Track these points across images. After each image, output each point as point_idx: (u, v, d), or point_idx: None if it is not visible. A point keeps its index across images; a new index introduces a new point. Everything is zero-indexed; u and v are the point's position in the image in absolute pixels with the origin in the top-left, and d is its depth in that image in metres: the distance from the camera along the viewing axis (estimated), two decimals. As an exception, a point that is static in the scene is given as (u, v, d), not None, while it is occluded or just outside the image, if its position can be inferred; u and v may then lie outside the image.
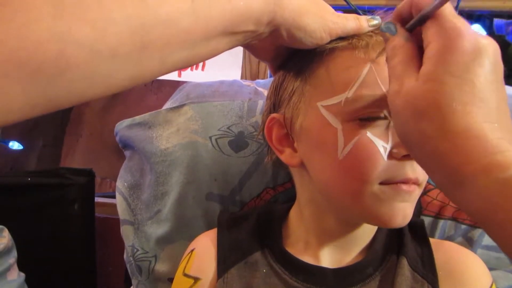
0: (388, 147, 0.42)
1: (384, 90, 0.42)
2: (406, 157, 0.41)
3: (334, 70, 0.45)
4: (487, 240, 0.57)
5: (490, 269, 0.56)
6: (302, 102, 0.47)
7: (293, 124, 0.48)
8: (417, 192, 0.44)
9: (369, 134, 0.42)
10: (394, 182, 0.42)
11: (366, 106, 0.42)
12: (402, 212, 0.43)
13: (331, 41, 0.44)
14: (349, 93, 0.43)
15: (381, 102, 0.41)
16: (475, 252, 0.56)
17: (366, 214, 0.45)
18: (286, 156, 0.50)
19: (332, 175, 0.45)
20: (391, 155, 0.42)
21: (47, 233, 0.86)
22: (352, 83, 0.43)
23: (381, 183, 0.43)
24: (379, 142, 0.42)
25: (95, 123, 1.48)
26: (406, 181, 0.42)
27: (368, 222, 0.47)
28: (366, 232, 0.50)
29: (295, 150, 0.49)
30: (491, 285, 0.48)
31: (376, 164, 0.42)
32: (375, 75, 0.42)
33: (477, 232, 0.58)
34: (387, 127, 0.42)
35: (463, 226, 0.58)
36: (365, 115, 0.42)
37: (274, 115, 0.51)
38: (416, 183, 0.43)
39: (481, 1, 0.80)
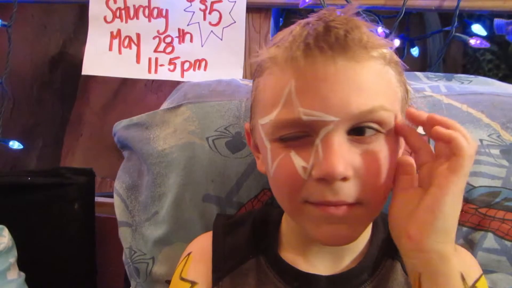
0: (309, 167, 0.41)
1: (301, 110, 0.40)
2: (322, 181, 0.40)
3: (264, 88, 0.45)
4: (488, 243, 0.57)
5: (491, 271, 0.56)
6: (254, 113, 0.48)
7: (253, 132, 0.49)
8: (357, 212, 0.42)
9: (292, 153, 0.42)
10: (315, 202, 0.42)
11: (286, 127, 0.42)
12: (335, 233, 0.42)
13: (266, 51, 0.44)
14: (272, 116, 0.42)
15: (301, 123, 0.40)
16: (475, 255, 0.56)
17: (307, 232, 0.45)
18: (259, 162, 0.51)
19: (273, 191, 0.47)
20: (310, 176, 0.41)
21: (47, 233, 0.86)
22: (277, 103, 0.42)
23: (308, 202, 0.42)
24: (300, 163, 0.41)
25: (95, 122, 1.48)
26: (326, 203, 0.41)
27: (314, 240, 0.47)
28: (360, 238, 0.49)
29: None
30: (480, 276, 0.48)
31: (295, 184, 0.42)
32: (294, 96, 0.40)
33: (478, 234, 0.57)
34: (311, 146, 0.41)
35: (464, 229, 0.58)
36: (285, 135, 0.42)
37: (246, 124, 0.52)
38: (343, 204, 0.41)
39: (481, 1, 0.80)
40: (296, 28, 0.43)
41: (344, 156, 0.40)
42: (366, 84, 0.40)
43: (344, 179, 0.40)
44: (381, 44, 0.42)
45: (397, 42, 0.89)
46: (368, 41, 0.40)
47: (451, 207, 0.39)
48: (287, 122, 0.41)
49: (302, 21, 0.44)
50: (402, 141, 0.46)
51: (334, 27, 0.40)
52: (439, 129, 0.40)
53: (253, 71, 0.86)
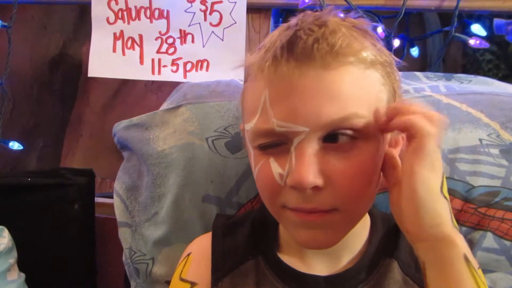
0: (285, 174, 0.41)
1: (275, 121, 0.40)
2: (294, 188, 0.41)
3: (247, 94, 0.46)
4: (487, 242, 0.57)
5: (490, 271, 0.56)
6: (243, 119, 0.48)
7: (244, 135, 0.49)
8: (333, 218, 0.42)
9: (271, 160, 0.42)
10: (290, 208, 0.42)
11: (263, 136, 0.42)
12: (312, 237, 0.43)
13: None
14: (252, 123, 0.43)
15: (274, 132, 0.41)
16: (475, 254, 0.56)
17: (291, 236, 0.45)
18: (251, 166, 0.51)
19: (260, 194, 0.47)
20: (286, 183, 0.41)
21: (47, 233, 0.86)
22: (255, 111, 0.42)
23: (286, 207, 0.43)
24: (277, 169, 0.42)
25: (95, 123, 1.47)
26: (300, 210, 0.42)
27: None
28: (356, 238, 0.50)
29: None
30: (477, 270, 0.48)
31: (274, 189, 0.43)
32: (268, 106, 0.41)
33: (478, 234, 0.57)
34: (287, 153, 0.41)
35: (464, 228, 0.58)
36: (263, 143, 0.43)
37: (241, 125, 0.52)
38: (317, 211, 0.41)
39: (480, 1, 0.80)
40: (275, 33, 0.43)
41: (314, 165, 0.40)
42: (337, 92, 0.40)
43: (316, 188, 0.40)
44: (359, 48, 0.41)
45: (396, 42, 0.89)
46: (341, 47, 0.40)
47: (426, 189, 0.38)
48: (263, 131, 0.42)
49: (283, 25, 0.44)
50: (386, 139, 0.45)
51: (300, 37, 0.40)
52: (395, 120, 0.39)
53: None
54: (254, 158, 0.45)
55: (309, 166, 0.40)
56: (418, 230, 0.39)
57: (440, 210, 0.39)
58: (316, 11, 0.45)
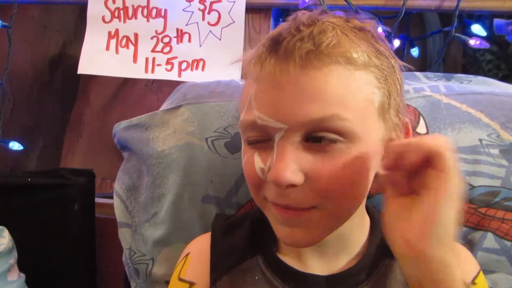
0: (266, 169, 0.42)
1: (256, 113, 0.42)
2: (273, 183, 0.41)
3: (243, 89, 0.47)
4: (487, 242, 0.57)
5: (491, 271, 0.56)
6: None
7: None
8: (312, 216, 0.42)
9: (256, 154, 0.44)
10: (270, 201, 0.44)
11: (249, 129, 0.44)
12: (291, 235, 0.44)
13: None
14: (241, 117, 0.45)
15: (257, 126, 0.42)
16: (475, 255, 0.56)
17: (274, 231, 0.46)
18: None
19: None
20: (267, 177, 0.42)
21: (47, 234, 0.86)
22: (244, 105, 0.44)
23: (266, 200, 0.44)
24: (259, 164, 0.43)
25: (95, 123, 1.47)
26: (276, 204, 0.43)
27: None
28: (354, 239, 0.50)
29: None
30: (478, 272, 0.48)
31: (256, 183, 0.44)
32: (253, 100, 0.42)
33: (478, 234, 0.57)
34: (271, 150, 0.42)
35: (464, 229, 0.58)
36: (249, 138, 0.44)
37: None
38: (293, 208, 0.42)
39: (481, 1, 0.80)
40: (274, 32, 0.44)
41: (293, 163, 0.40)
42: (319, 92, 0.40)
43: (293, 185, 0.40)
44: (348, 48, 0.41)
45: (396, 43, 0.89)
46: (328, 47, 0.40)
47: (450, 210, 0.37)
48: (247, 123, 0.43)
49: (281, 25, 0.44)
50: (376, 141, 0.44)
51: (284, 37, 0.41)
52: (411, 155, 0.37)
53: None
54: (243, 151, 0.47)
55: (287, 163, 0.40)
56: (424, 248, 0.37)
57: (452, 235, 0.38)
58: (311, 11, 0.45)
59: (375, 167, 0.44)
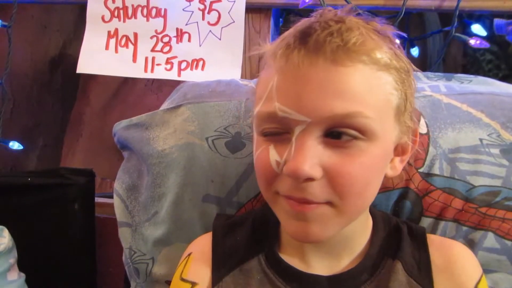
0: (282, 162, 0.42)
1: (277, 104, 0.41)
2: (290, 177, 0.41)
3: (260, 81, 0.46)
4: (488, 242, 0.57)
5: (491, 271, 0.56)
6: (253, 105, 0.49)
7: None
8: (325, 212, 0.42)
9: (271, 147, 0.43)
10: (283, 195, 0.43)
11: (267, 121, 0.43)
12: (302, 229, 0.43)
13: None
14: (257, 109, 0.44)
15: (277, 118, 0.42)
16: (476, 254, 0.56)
17: (283, 226, 0.46)
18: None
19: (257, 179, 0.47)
20: (282, 170, 0.42)
21: (47, 233, 0.86)
22: (263, 97, 0.43)
23: (279, 194, 0.44)
24: (274, 157, 0.42)
25: (95, 123, 1.47)
26: (290, 198, 0.42)
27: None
28: (357, 238, 0.50)
29: None
30: (481, 277, 0.48)
31: (269, 175, 0.43)
32: (274, 91, 0.42)
33: (478, 234, 0.57)
34: (288, 142, 0.42)
35: (464, 228, 0.58)
36: (266, 130, 0.44)
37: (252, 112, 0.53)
38: (308, 202, 0.42)
39: (481, 1, 0.80)
40: (297, 26, 0.44)
41: (313, 157, 0.40)
42: (344, 88, 0.40)
43: (311, 179, 0.40)
44: (373, 48, 0.41)
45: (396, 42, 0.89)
46: (355, 45, 0.40)
47: None
48: (266, 114, 0.43)
49: (304, 20, 0.44)
50: (391, 143, 0.45)
51: (315, 29, 0.40)
52: None
53: (252, 70, 0.87)
54: (256, 143, 0.46)
55: (306, 156, 0.40)
56: None
57: None
58: (313, 11, 0.45)
59: (386, 168, 0.45)
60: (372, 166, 0.42)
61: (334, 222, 0.44)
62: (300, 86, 0.40)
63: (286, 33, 0.44)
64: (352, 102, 0.40)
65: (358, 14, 0.44)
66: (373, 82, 0.41)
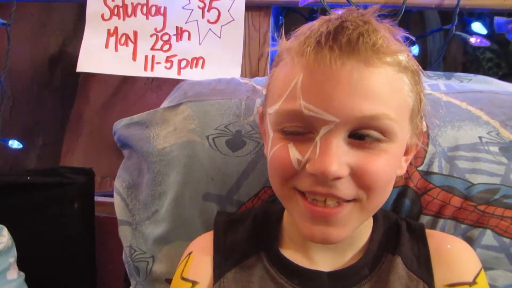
0: (303, 160, 0.42)
1: (303, 103, 0.41)
2: (314, 176, 0.41)
3: (276, 78, 0.46)
4: (486, 239, 0.57)
5: (489, 268, 0.56)
6: (265, 101, 0.49)
7: (263, 119, 0.50)
8: (347, 208, 0.43)
9: (290, 145, 0.43)
10: (304, 190, 0.43)
11: (289, 119, 0.43)
12: (321, 232, 0.43)
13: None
14: (276, 106, 0.43)
15: (301, 117, 0.41)
16: (474, 251, 0.56)
17: (296, 224, 0.46)
18: (266, 147, 0.51)
19: (269, 176, 0.48)
20: (304, 169, 0.42)
21: (46, 232, 0.86)
22: (283, 94, 0.43)
23: (296, 190, 0.44)
24: (295, 155, 0.42)
25: (95, 121, 1.47)
26: (313, 192, 0.42)
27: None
28: (360, 235, 0.50)
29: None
30: (480, 270, 0.49)
31: (288, 173, 0.43)
32: (298, 89, 0.41)
33: (477, 231, 0.57)
34: (311, 142, 0.42)
35: (463, 226, 0.58)
36: (287, 128, 0.43)
37: (259, 108, 0.53)
38: (333, 196, 0.42)
39: (481, -1, 0.80)
40: (315, 23, 0.44)
41: (340, 156, 0.40)
42: (373, 90, 0.40)
43: (337, 178, 0.41)
44: (397, 50, 0.42)
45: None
46: (382, 46, 0.40)
47: None
48: (289, 112, 0.42)
49: (323, 18, 0.44)
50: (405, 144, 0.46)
51: (347, 28, 0.40)
52: None
53: (252, 68, 0.87)
54: (272, 141, 0.45)
55: (334, 156, 0.40)
56: None
57: None
58: (358, 9, 0.45)
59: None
60: (393, 164, 0.43)
61: (355, 220, 0.44)
62: (330, 85, 0.40)
63: (308, 31, 0.43)
64: (379, 103, 0.40)
65: (380, 15, 0.44)
66: (395, 83, 0.42)
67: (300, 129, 0.42)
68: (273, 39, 0.87)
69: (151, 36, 0.87)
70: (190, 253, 0.54)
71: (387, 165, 0.42)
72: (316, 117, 0.40)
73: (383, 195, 0.45)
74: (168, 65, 0.86)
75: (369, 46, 0.40)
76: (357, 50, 0.39)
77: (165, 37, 0.87)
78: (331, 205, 0.42)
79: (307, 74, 0.41)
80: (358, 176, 0.41)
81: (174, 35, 0.86)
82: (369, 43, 0.40)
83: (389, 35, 0.42)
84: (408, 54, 0.44)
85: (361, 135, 0.41)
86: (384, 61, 0.41)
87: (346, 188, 0.42)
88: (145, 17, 0.87)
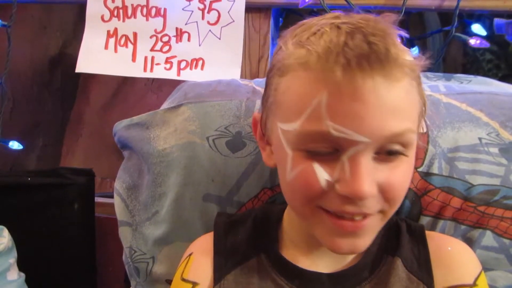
0: (332, 180, 0.41)
1: (330, 124, 0.39)
2: (346, 198, 0.40)
3: (288, 91, 0.43)
4: (486, 240, 0.57)
5: (489, 269, 0.56)
6: (271, 111, 0.46)
7: (267, 127, 0.48)
8: (373, 221, 0.43)
9: (316, 165, 0.41)
10: (333, 211, 0.42)
11: (314, 141, 0.41)
12: (350, 245, 0.43)
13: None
14: (296, 125, 0.41)
15: (328, 138, 0.39)
16: (474, 252, 0.56)
17: (319, 238, 0.45)
18: (265, 155, 0.51)
19: (285, 191, 0.47)
20: (333, 189, 0.41)
21: (47, 233, 0.86)
22: (302, 112, 0.40)
23: (321, 208, 0.43)
24: (323, 175, 0.41)
25: (95, 122, 1.47)
26: (342, 212, 0.41)
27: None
28: None
29: (271, 152, 0.49)
30: (480, 272, 0.49)
31: (314, 193, 0.42)
32: (324, 108, 0.39)
33: (477, 232, 0.57)
34: (336, 161, 0.41)
35: (463, 227, 0.58)
36: (312, 149, 0.41)
37: (256, 113, 0.52)
38: (361, 214, 0.42)
39: (481, 0, 0.80)
40: (325, 30, 0.41)
41: (369, 175, 0.40)
42: (398, 105, 0.40)
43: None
44: (413, 60, 0.41)
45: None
46: (403, 59, 0.39)
47: None
48: (314, 134, 0.40)
49: (329, 22, 0.42)
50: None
51: (374, 43, 0.38)
52: None
53: (252, 70, 0.87)
54: (294, 161, 0.42)
55: (364, 176, 0.39)
56: None
57: None
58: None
59: None
60: (411, 172, 0.44)
61: (378, 227, 0.45)
62: (361, 105, 0.38)
63: (323, 41, 0.40)
64: (403, 118, 0.40)
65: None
66: (411, 93, 0.41)
67: (325, 149, 0.41)
68: (273, 40, 0.87)
69: (151, 37, 0.87)
70: (190, 254, 0.54)
71: (408, 175, 0.43)
72: (347, 138, 0.39)
73: (400, 202, 0.45)
74: (168, 66, 0.86)
75: (392, 59, 0.38)
76: (385, 66, 0.38)
77: (165, 38, 0.87)
78: (358, 219, 0.42)
79: (335, 93, 0.38)
80: (384, 192, 0.41)
81: (173, 36, 0.87)
82: (393, 57, 0.38)
83: (401, 43, 0.41)
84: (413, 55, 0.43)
85: (387, 151, 0.41)
86: (404, 73, 0.40)
87: (374, 206, 0.42)
88: (145, 18, 0.87)
